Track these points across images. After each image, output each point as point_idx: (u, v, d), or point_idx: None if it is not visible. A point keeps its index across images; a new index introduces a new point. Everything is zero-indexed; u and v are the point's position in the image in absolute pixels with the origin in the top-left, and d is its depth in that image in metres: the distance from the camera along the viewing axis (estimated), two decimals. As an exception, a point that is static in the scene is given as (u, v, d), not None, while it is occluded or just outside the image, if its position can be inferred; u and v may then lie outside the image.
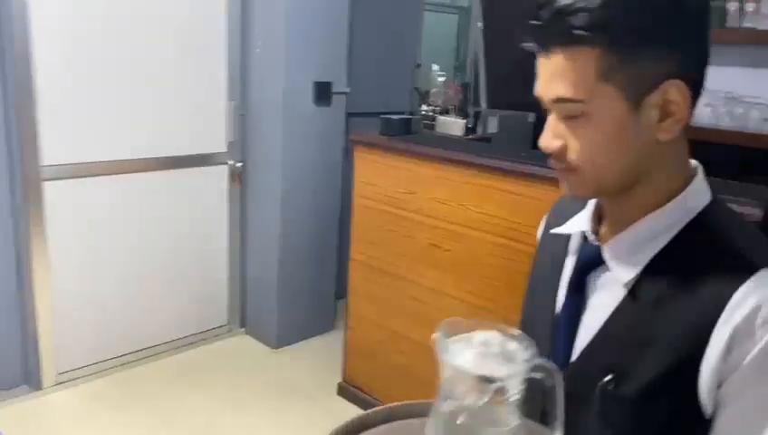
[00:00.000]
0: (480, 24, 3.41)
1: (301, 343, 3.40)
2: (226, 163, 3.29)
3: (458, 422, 0.73)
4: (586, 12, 0.76)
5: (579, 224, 0.96)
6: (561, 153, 0.84)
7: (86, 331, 2.95)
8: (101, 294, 2.97)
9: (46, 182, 2.69)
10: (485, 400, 0.71)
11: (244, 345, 3.40)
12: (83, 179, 2.83)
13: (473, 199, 2.23)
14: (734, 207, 0.98)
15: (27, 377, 2.81)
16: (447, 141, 2.66)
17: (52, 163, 2.70)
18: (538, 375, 0.73)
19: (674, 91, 0.79)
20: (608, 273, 0.88)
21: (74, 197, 2.81)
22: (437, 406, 0.77)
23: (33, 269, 2.69)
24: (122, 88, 2.85)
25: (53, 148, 2.69)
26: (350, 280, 2.77)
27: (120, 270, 3.01)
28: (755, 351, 0.74)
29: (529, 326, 0.94)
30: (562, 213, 1.02)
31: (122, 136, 2.89)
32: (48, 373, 2.83)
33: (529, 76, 0.87)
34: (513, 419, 0.74)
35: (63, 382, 2.88)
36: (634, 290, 0.85)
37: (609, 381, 0.83)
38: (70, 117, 2.72)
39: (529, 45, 0.84)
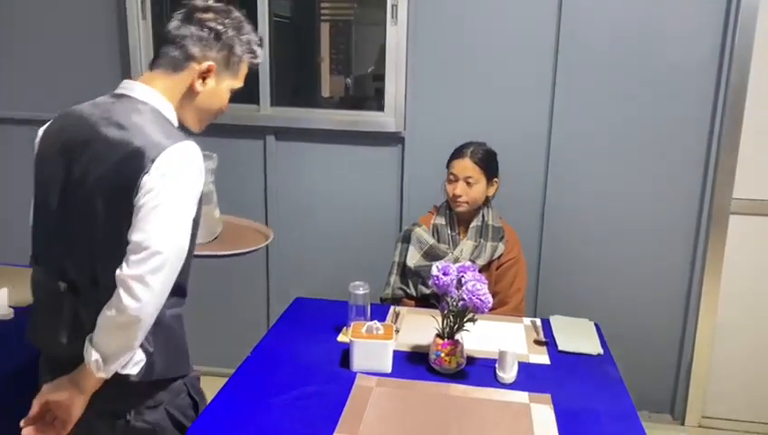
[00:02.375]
0: None
1: None
2: None
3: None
4: None
5: None
6: None
7: (742, 381, 2.69)
8: (763, 346, 2.65)
9: (733, 216, 2.56)
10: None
11: None
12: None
13: None
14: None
15: (672, 407, 2.78)
16: None
17: (743, 197, 2.55)
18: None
19: None
20: None
21: (756, 235, 2.58)
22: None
23: (702, 299, 2.62)
24: None
25: (747, 181, 2.53)
26: None
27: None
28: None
29: None
30: None
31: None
32: (693, 412, 2.72)
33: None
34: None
35: (706, 427, 2.72)
36: None
37: None
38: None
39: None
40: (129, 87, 1.29)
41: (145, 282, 1.14)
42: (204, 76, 1.31)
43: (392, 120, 2.68)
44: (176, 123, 1.32)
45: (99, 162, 1.19)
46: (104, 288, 1.18)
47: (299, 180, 2.80)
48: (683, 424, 2.74)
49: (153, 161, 1.16)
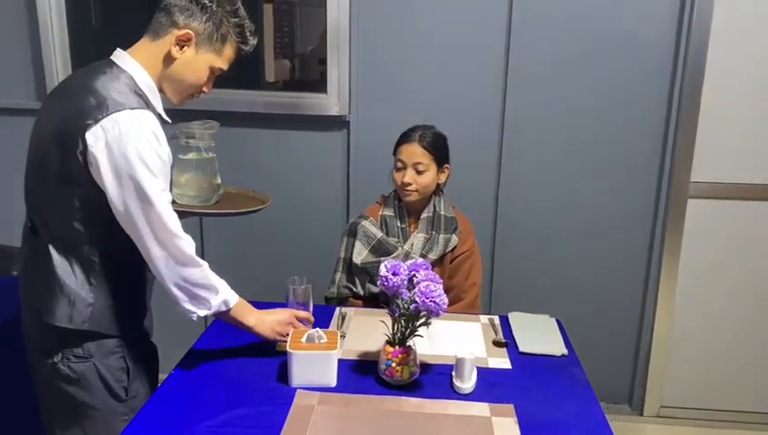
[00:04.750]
0: None
1: None
2: None
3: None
4: None
5: None
6: None
7: (700, 368, 2.64)
8: (721, 332, 2.60)
9: (691, 199, 2.48)
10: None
11: None
12: (726, 202, 2.52)
13: None
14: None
15: (631, 397, 2.70)
16: None
17: (701, 180, 2.47)
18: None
19: None
20: None
21: (714, 219, 2.51)
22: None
23: (660, 286, 2.54)
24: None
25: (705, 164, 2.45)
26: None
27: (748, 312, 2.58)
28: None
29: None
30: None
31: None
32: (652, 402, 2.65)
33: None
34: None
35: (665, 417, 2.65)
36: None
37: None
38: (728, 134, 2.45)
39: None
40: (116, 54, 1.34)
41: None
42: (181, 43, 1.33)
43: (335, 103, 2.49)
44: (152, 92, 1.34)
45: (55, 114, 1.28)
46: (42, 235, 1.32)
47: (235, 168, 2.56)
48: (642, 414, 2.67)
49: (97, 121, 1.22)
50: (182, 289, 1.33)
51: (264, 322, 1.47)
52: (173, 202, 1.67)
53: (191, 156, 1.67)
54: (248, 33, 1.41)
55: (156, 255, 1.29)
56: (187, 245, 1.32)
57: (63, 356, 1.35)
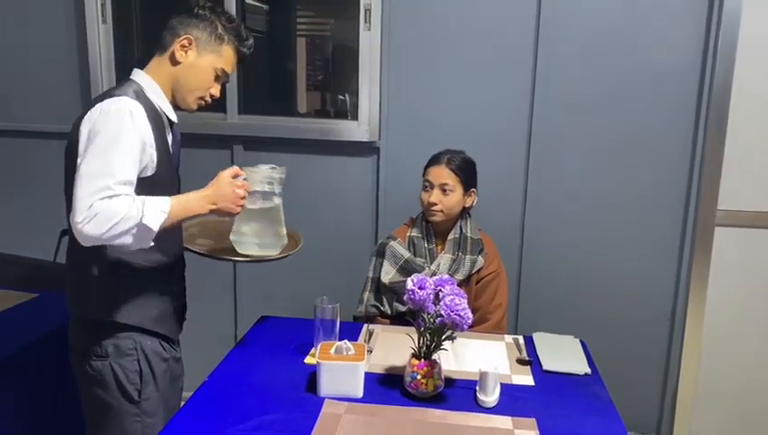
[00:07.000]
0: None
1: None
2: None
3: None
4: None
5: None
6: None
7: (729, 398, 2.60)
8: (751, 363, 2.57)
9: (718, 228, 2.48)
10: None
11: None
12: (754, 230, 2.51)
13: None
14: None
15: (659, 427, 2.67)
16: None
17: (728, 208, 2.47)
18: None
19: None
20: None
21: (742, 247, 2.51)
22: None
23: (688, 315, 2.53)
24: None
25: (732, 193, 2.46)
26: None
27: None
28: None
29: None
30: None
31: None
32: (680, 432, 2.61)
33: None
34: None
35: (695, 447, 2.62)
36: None
37: None
38: (754, 161, 2.45)
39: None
40: (133, 73, 1.48)
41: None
42: (184, 48, 1.46)
43: (366, 130, 2.57)
44: (159, 97, 1.46)
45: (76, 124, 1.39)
46: (71, 234, 1.36)
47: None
48: (672, 445, 2.64)
49: (87, 111, 1.35)
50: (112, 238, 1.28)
51: (218, 201, 1.42)
52: (232, 249, 1.63)
53: (261, 205, 1.59)
54: (243, 34, 1.52)
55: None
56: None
57: (86, 354, 1.46)
